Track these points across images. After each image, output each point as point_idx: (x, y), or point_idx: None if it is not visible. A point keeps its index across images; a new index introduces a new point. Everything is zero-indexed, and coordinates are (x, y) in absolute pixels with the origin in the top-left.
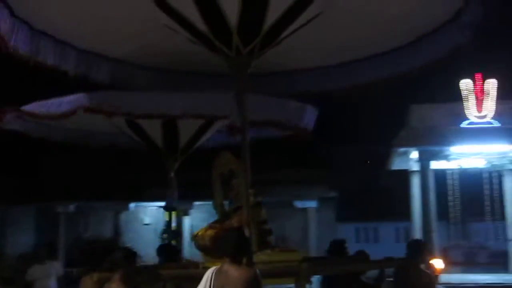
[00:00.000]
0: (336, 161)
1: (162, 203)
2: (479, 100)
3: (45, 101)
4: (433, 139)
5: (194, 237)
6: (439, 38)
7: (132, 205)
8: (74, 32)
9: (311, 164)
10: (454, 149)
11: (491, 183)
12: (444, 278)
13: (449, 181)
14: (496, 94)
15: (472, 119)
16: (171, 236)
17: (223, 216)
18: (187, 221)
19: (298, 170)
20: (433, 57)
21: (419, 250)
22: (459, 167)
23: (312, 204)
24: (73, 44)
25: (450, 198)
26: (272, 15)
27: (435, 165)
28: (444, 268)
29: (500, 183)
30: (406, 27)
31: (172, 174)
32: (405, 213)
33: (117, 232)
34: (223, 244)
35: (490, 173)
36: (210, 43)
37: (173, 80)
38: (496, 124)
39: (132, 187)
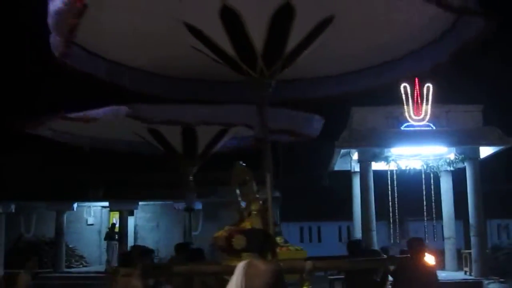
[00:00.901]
0: (279, 161)
1: (106, 203)
2: (417, 104)
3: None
4: (373, 141)
5: (214, 238)
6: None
7: (75, 205)
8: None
9: (255, 165)
10: (393, 150)
11: (428, 183)
12: None
13: (389, 182)
14: (432, 98)
15: (411, 121)
16: (114, 236)
17: (240, 219)
18: (131, 221)
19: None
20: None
21: (421, 247)
22: (397, 168)
23: None
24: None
25: (389, 198)
26: (293, 41)
27: (375, 166)
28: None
29: (437, 184)
30: (398, 47)
31: (191, 178)
32: (347, 213)
33: (60, 232)
34: (252, 242)
35: (427, 174)
36: (237, 65)
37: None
38: (433, 127)
39: (76, 187)
